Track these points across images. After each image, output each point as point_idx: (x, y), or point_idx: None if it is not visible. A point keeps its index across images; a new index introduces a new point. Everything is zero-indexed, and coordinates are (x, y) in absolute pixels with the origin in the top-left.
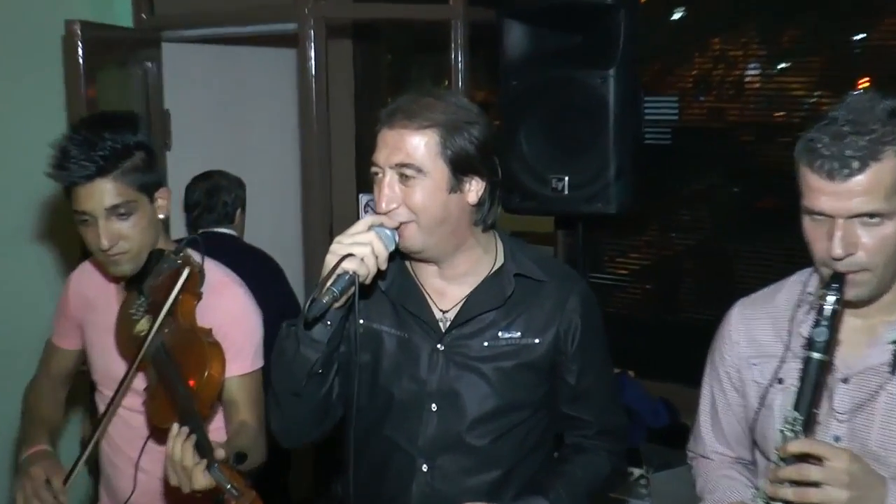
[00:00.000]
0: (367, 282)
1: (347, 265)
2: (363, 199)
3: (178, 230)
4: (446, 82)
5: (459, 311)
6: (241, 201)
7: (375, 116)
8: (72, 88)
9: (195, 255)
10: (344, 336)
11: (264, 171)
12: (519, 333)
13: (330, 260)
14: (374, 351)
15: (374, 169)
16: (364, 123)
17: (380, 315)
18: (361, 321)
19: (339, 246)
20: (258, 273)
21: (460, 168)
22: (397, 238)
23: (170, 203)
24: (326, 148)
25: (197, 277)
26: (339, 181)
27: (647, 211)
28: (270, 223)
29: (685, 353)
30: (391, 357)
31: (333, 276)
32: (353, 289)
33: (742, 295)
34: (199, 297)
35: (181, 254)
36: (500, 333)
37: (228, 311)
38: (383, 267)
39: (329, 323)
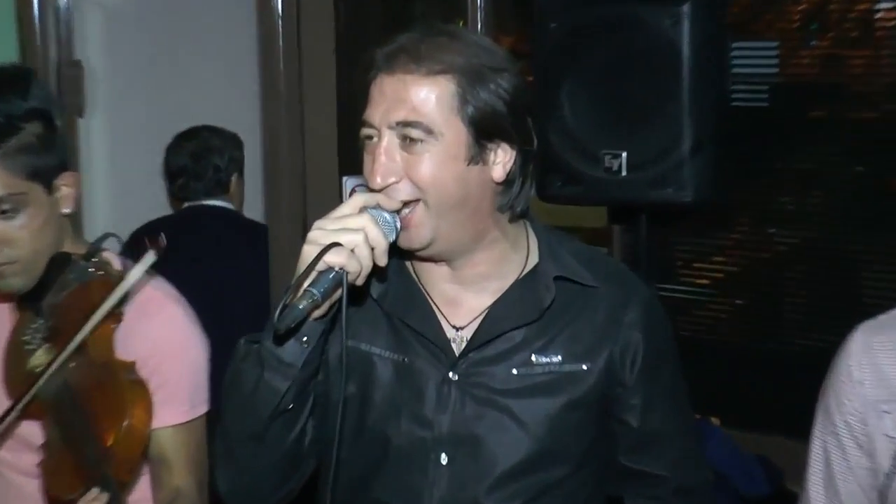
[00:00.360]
0: (360, 282)
1: (332, 259)
2: (348, 183)
3: (159, 207)
4: (461, 23)
5: (479, 327)
6: (238, 164)
7: (366, 61)
8: None
9: (115, 261)
10: (323, 360)
11: None
12: (560, 357)
13: (308, 252)
14: (361, 381)
15: (365, 131)
16: (349, 83)
17: (370, 332)
18: (349, 340)
19: (321, 233)
20: (265, 257)
21: (484, 130)
22: (399, 224)
23: (78, 190)
24: (297, 116)
25: (110, 286)
26: (315, 160)
27: (735, 198)
28: None
29: (789, 395)
30: (386, 389)
31: (313, 274)
32: (339, 292)
33: (867, 315)
34: (118, 319)
35: (94, 259)
36: (534, 357)
37: (161, 340)
38: (382, 263)
39: (306, 340)
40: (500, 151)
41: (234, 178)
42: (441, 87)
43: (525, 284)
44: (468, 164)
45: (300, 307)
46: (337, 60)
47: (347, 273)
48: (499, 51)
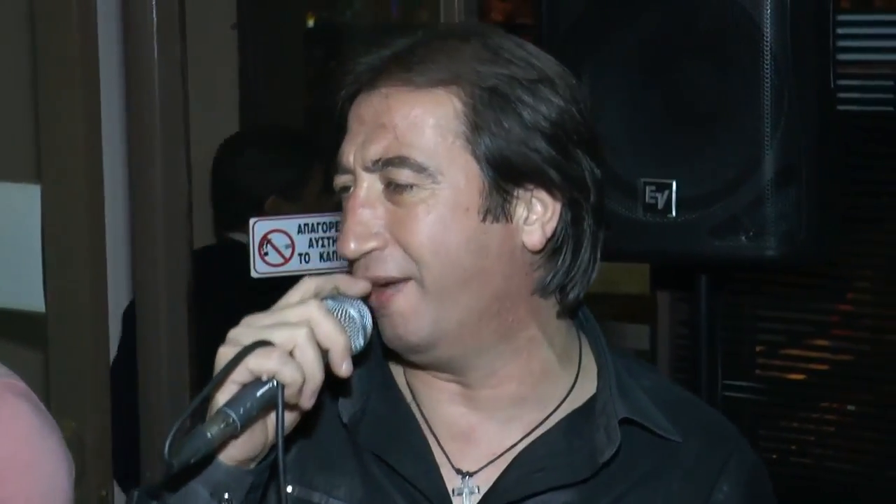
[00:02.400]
0: (306, 404)
1: (259, 364)
2: (258, 227)
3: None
4: None
5: (502, 477)
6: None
7: (339, 76)
8: None
9: None
10: None
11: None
12: None
13: (224, 355)
14: None
15: (339, 179)
16: (257, 76)
17: (328, 476)
18: (290, 488)
19: (246, 331)
20: None
21: (507, 171)
22: (368, 322)
23: None
24: (179, 125)
25: None
26: (205, 194)
27: (846, 251)
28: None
29: None
30: None
31: (231, 388)
32: (271, 414)
33: None
34: None
35: None
36: None
37: None
38: (342, 372)
39: (228, 499)
40: (535, 204)
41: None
42: (441, 106)
43: (575, 424)
44: (484, 221)
45: (207, 435)
46: (240, 42)
47: (283, 387)
48: (540, 59)
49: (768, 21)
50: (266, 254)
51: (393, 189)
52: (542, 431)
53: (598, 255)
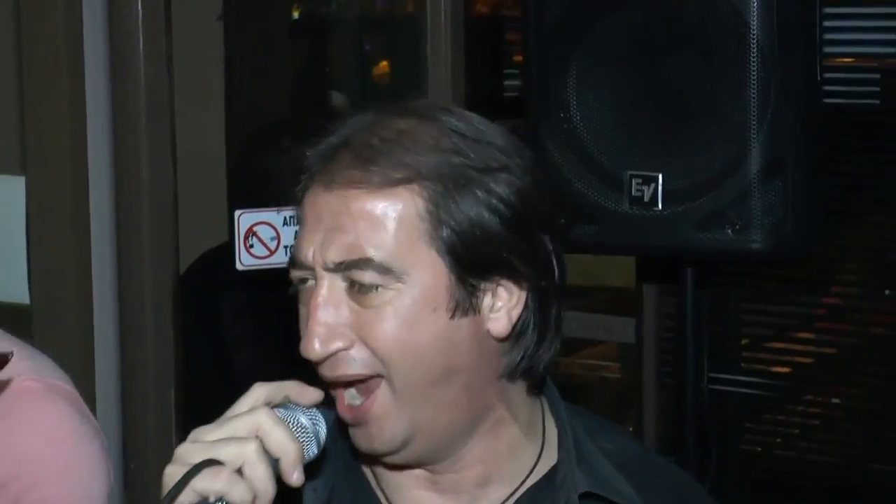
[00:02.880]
0: None
1: (205, 485)
2: (243, 220)
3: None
4: None
5: None
6: None
7: (293, 164)
8: None
9: None
10: None
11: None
12: None
13: (171, 476)
14: None
15: (296, 273)
16: (244, 70)
17: None
18: None
19: (193, 447)
20: None
21: (472, 263)
22: (322, 429)
23: None
24: (165, 118)
25: None
26: (191, 186)
27: (831, 244)
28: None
29: None
30: None
31: None
32: None
33: None
34: None
35: None
36: None
37: (30, 453)
38: (295, 483)
39: None
40: (501, 292)
41: None
42: (402, 205)
43: (537, 499)
44: (452, 318)
45: None
46: (226, 33)
47: None
48: (496, 138)
49: (755, 13)
50: (251, 246)
51: (357, 290)
52: None
53: (558, 331)
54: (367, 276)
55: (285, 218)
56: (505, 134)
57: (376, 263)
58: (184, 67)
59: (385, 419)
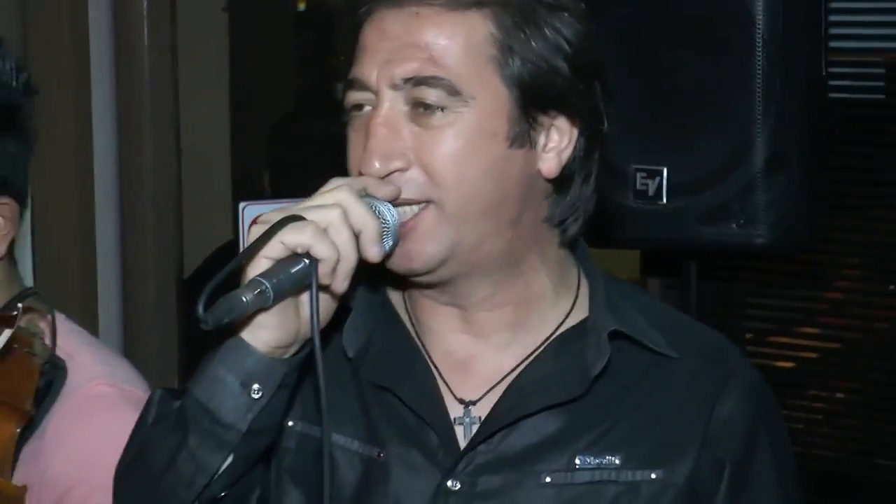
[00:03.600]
0: (338, 286)
1: (293, 238)
2: (247, 212)
3: None
4: None
5: (501, 401)
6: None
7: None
8: None
9: (48, 332)
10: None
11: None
12: (617, 459)
13: (256, 232)
14: (311, 489)
15: (354, 95)
16: (249, 61)
17: (335, 411)
18: (291, 423)
19: (278, 213)
20: None
21: (536, 96)
22: (395, 222)
23: (13, 226)
24: (169, 114)
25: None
26: (196, 180)
27: (835, 238)
28: (55, 264)
29: None
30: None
31: (262, 262)
32: (305, 296)
33: None
34: (24, 417)
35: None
36: (578, 459)
37: (93, 460)
38: (374, 257)
39: (258, 389)
40: (554, 131)
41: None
42: (473, 28)
43: (566, 344)
44: (510, 147)
45: (242, 298)
46: (231, 24)
47: (318, 263)
48: None
49: (759, 6)
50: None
51: (421, 111)
52: (537, 352)
53: (595, 189)
54: (434, 95)
55: None
56: None
57: (446, 83)
58: (188, 59)
59: (427, 239)
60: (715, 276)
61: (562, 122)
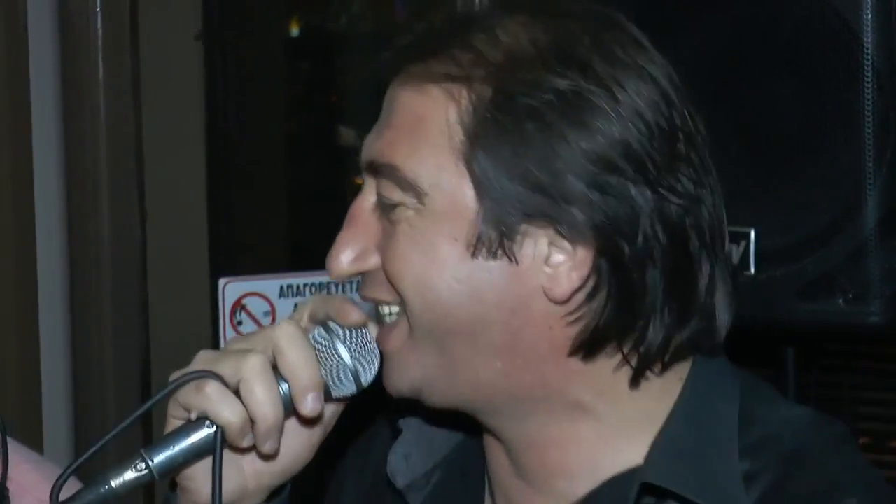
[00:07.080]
0: (267, 449)
1: (187, 399)
2: (227, 290)
3: None
4: None
5: None
6: None
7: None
8: None
9: None
10: None
11: None
12: None
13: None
14: None
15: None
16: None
17: None
18: None
19: (207, 355)
20: None
21: (508, 202)
22: (367, 371)
23: None
24: (131, 168)
25: None
26: (163, 250)
27: None
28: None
29: None
30: None
31: (174, 423)
32: (202, 460)
33: None
34: None
35: None
36: None
37: None
38: (307, 412)
39: None
40: (554, 246)
41: None
42: (442, 106)
43: (608, 494)
44: (474, 256)
45: (110, 484)
46: (207, 55)
47: (222, 430)
48: (632, 52)
49: (868, 27)
50: (240, 323)
51: (385, 206)
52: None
53: (700, 288)
54: (387, 188)
55: (281, 287)
56: (650, 50)
57: (398, 174)
58: (154, 97)
59: (398, 357)
60: (819, 365)
61: (559, 240)
